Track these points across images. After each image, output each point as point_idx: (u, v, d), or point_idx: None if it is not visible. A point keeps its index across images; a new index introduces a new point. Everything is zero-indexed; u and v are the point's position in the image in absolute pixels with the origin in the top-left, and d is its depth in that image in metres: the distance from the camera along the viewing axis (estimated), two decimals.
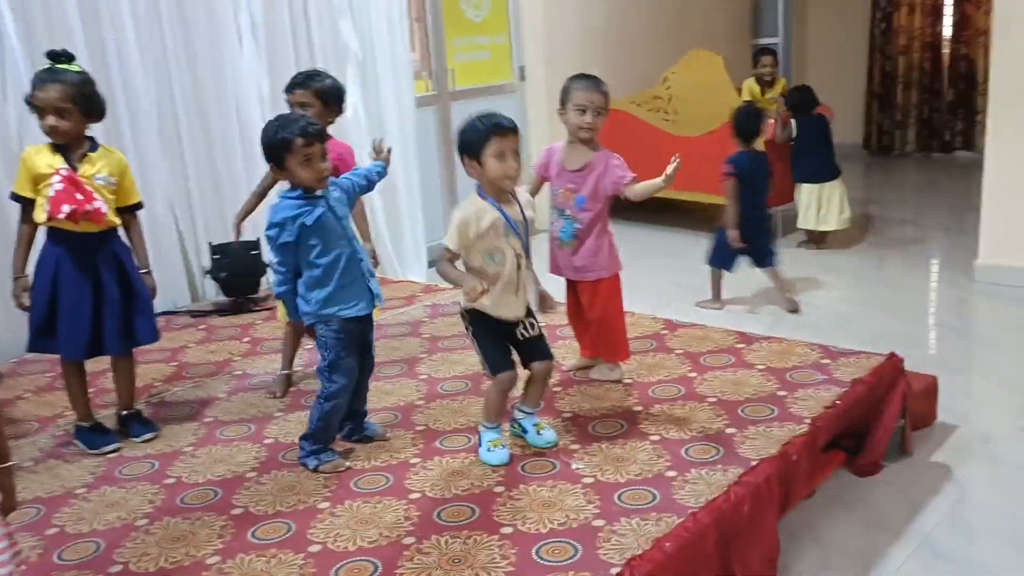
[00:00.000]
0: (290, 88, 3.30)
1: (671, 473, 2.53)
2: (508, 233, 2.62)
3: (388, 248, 5.43)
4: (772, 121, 5.83)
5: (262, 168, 3.21)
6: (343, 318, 2.66)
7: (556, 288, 3.31)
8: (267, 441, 2.94)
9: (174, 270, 4.61)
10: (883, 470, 3.03)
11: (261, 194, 3.54)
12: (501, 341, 2.72)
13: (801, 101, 5.76)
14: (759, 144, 4.82)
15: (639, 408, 2.99)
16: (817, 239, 5.81)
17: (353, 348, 2.72)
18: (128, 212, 3.02)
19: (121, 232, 3.01)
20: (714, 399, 3.02)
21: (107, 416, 3.12)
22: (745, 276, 4.82)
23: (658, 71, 6.57)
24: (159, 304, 3.36)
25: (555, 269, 3.24)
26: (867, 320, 4.54)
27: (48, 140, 2.85)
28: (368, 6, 5.21)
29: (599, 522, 2.30)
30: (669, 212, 6.53)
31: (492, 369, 2.70)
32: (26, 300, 2.91)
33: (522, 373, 2.80)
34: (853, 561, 2.57)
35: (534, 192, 3.12)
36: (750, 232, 4.66)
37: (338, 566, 2.20)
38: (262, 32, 4.79)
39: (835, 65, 9.11)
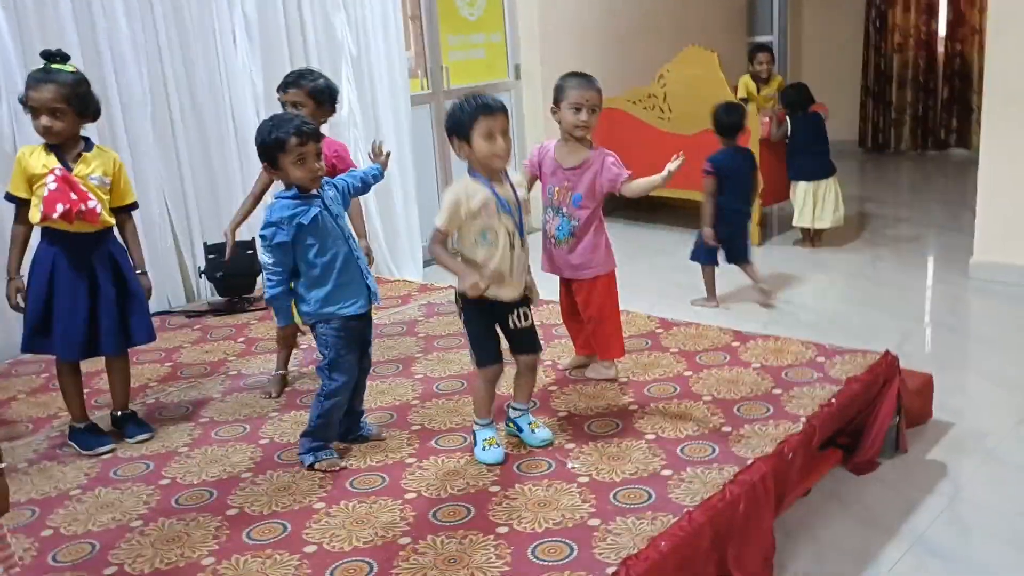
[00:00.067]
0: (283, 87, 3.29)
1: (667, 472, 2.53)
2: (500, 212, 2.62)
3: (383, 247, 5.43)
4: (767, 119, 5.84)
5: (257, 167, 3.19)
6: (343, 316, 2.67)
7: (550, 288, 3.31)
8: (262, 441, 2.93)
9: (169, 270, 4.61)
10: (879, 468, 3.03)
11: (256, 199, 3.52)
12: (491, 331, 2.72)
13: (796, 99, 5.76)
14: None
15: (635, 407, 2.99)
16: (812, 237, 5.81)
17: (354, 346, 2.72)
18: (123, 212, 3.02)
19: (116, 232, 3.01)
20: (709, 398, 3.02)
21: (101, 417, 3.11)
22: (742, 274, 4.82)
23: (653, 69, 6.57)
24: (153, 304, 3.35)
25: (550, 268, 3.23)
26: (862, 318, 4.55)
27: (42, 140, 2.84)
28: (363, 3, 5.21)
29: (595, 521, 2.30)
30: (664, 210, 6.54)
31: (477, 361, 2.72)
32: (21, 301, 2.91)
33: (510, 377, 2.81)
34: (849, 559, 2.58)
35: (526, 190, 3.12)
36: (730, 229, 4.67)
37: (334, 566, 2.19)
38: (256, 30, 4.79)
39: (830, 63, 9.12)
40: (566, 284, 3.26)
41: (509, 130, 2.62)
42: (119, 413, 3.07)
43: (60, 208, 2.76)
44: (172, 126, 4.61)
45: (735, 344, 3.46)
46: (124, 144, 4.33)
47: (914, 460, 3.11)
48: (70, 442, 2.97)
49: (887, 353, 3.19)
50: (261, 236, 2.64)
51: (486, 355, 2.71)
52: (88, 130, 2.95)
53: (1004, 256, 4.88)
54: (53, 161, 2.81)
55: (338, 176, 2.90)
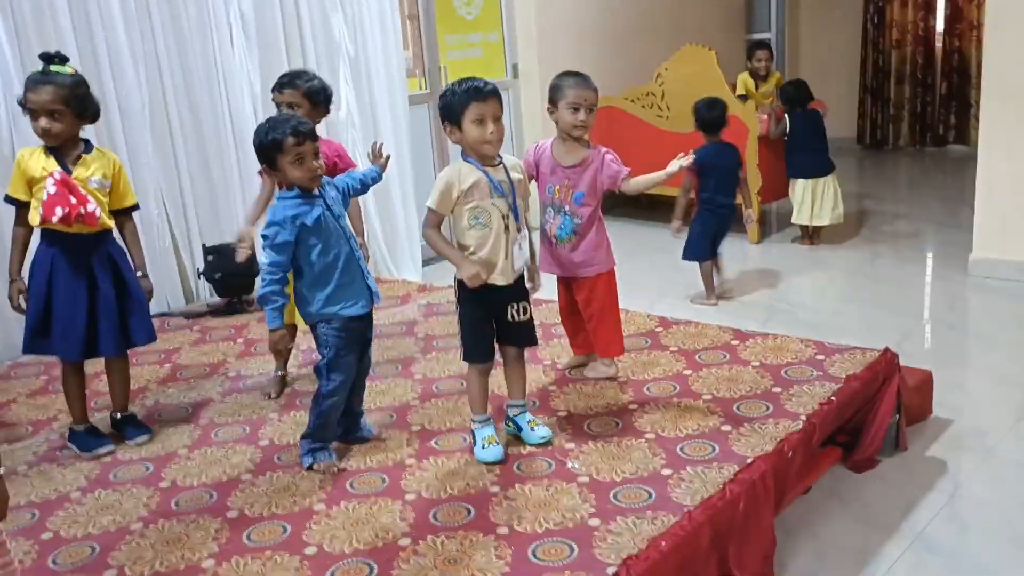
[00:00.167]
0: (278, 88, 3.29)
1: (667, 471, 2.53)
2: (493, 194, 2.62)
3: (383, 247, 5.43)
4: (766, 116, 5.84)
5: (255, 167, 3.19)
6: (345, 316, 2.67)
7: (549, 288, 3.31)
8: (262, 443, 2.93)
9: (167, 271, 4.60)
10: (878, 465, 3.03)
11: (265, 202, 3.49)
12: (485, 325, 2.73)
13: (795, 96, 5.74)
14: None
15: (634, 406, 2.99)
16: (811, 235, 5.81)
17: (354, 346, 2.73)
18: (124, 214, 3.02)
19: (116, 234, 3.01)
20: (709, 396, 3.01)
21: (101, 419, 3.11)
22: (738, 273, 4.82)
23: (651, 67, 6.57)
24: (152, 306, 3.35)
25: (549, 267, 3.21)
26: (861, 315, 4.55)
27: (41, 142, 2.84)
28: (360, 3, 5.20)
29: (595, 521, 2.30)
30: (664, 208, 6.52)
31: (465, 354, 2.73)
32: (23, 302, 2.91)
33: (499, 375, 2.81)
34: (849, 557, 2.58)
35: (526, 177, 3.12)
36: (713, 223, 4.67)
37: (334, 568, 2.19)
38: (253, 30, 4.78)
39: (828, 60, 9.13)
40: (565, 283, 3.26)
41: (502, 115, 2.62)
42: (119, 415, 3.06)
43: (59, 212, 2.76)
44: (170, 127, 4.60)
45: (735, 342, 3.46)
46: (122, 145, 4.32)
47: (914, 458, 3.11)
48: (69, 444, 2.97)
49: (886, 350, 3.19)
50: (263, 236, 2.64)
51: (474, 351, 2.72)
52: (86, 133, 2.94)
53: (1003, 252, 4.88)
54: (52, 164, 2.81)
55: (337, 176, 2.90)
